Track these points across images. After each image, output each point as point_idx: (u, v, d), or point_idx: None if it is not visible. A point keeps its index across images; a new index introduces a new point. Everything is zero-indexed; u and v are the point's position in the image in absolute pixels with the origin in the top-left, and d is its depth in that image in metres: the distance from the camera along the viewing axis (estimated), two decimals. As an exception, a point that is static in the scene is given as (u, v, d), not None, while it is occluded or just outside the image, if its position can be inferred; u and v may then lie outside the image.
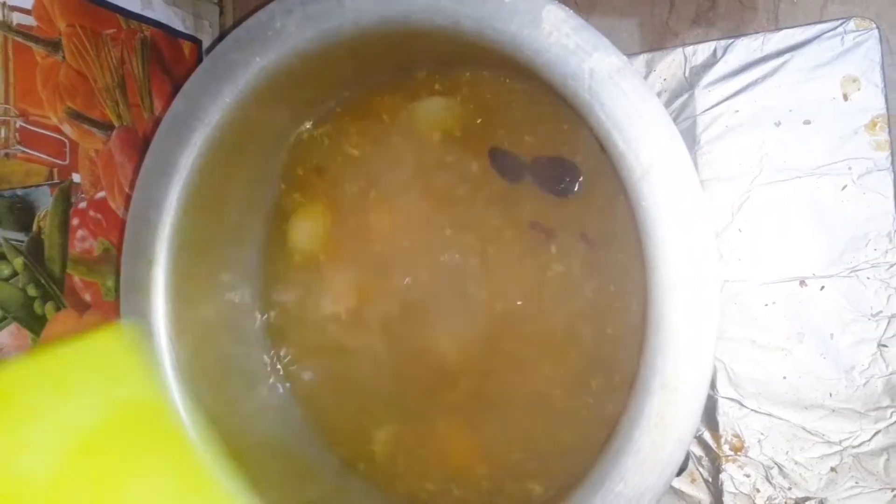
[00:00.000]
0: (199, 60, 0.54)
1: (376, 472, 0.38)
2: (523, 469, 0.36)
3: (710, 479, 0.39)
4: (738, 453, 0.37)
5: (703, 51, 0.38)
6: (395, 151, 0.37)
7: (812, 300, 0.36)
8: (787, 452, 0.37)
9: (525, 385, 0.35)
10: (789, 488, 0.37)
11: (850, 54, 0.36)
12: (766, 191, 0.37)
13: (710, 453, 0.39)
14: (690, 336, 0.26)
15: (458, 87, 0.36)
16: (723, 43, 0.38)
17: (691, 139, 0.38)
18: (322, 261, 0.40)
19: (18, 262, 0.40)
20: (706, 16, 0.44)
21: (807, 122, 0.36)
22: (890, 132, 0.35)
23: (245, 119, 0.35)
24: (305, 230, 0.40)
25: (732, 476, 0.38)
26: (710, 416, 0.38)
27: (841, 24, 0.36)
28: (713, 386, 0.37)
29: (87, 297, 0.44)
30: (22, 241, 0.40)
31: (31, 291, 0.40)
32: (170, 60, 0.52)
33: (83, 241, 0.44)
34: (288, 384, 0.41)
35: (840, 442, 0.36)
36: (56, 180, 0.43)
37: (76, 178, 0.44)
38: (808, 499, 0.37)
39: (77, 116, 0.44)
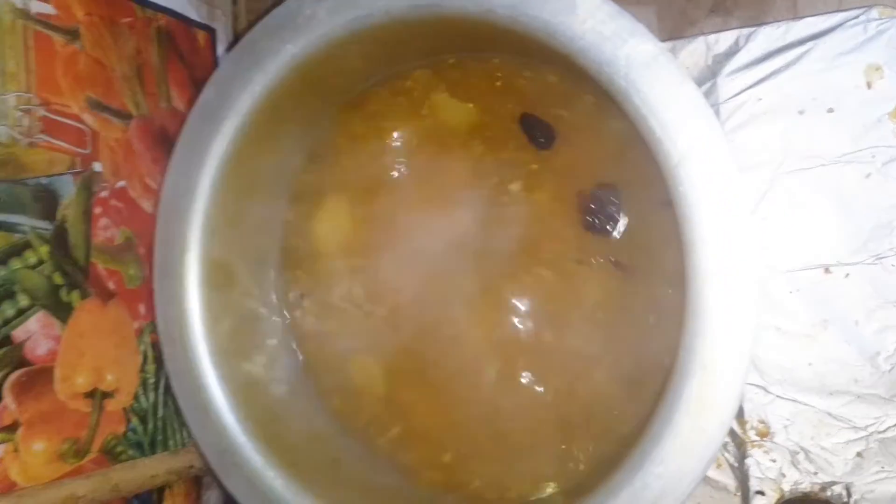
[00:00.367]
0: (214, 50, 0.54)
1: (401, 462, 0.39)
2: (559, 451, 0.36)
3: (736, 465, 0.39)
4: (764, 439, 0.38)
5: (725, 39, 0.39)
6: (424, 139, 0.37)
7: (836, 287, 0.36)
8: (812, 438, 0.37)
9: (559, 367, 0.35)
10: (815, 473, 0.37)
11: (873, 42, 0.36)
12: (790, 179, 0.37)
13: (736, 439, 0.39)
14: (730, 319, 0.26)
15: (488, 74, 0.36)
16: (745, 31, 0.38)
17: (714, 128, 0.38)
18: (347, 250, 0.40)
19: (44, 250, 0.40)
20: (724, 4, 0.44)
21: (830, 111, 0.36)
22: (914, 120, 0.35)
23: (275, 107, 0.35)
24: (333, 219, 0.40)
25: (758, 461, 0.38)
26: (735, 402, 0.38)
27: (863, 13, 0.36)
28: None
29: (111, 286, 0.44)
30: (47, 230, 0.40)
31: (57, 279, 0.41)
32: (185, 50, 0.52)
33: (106, 230, 0.44)
34: (307, 373, 0.41)
35: (866, 427, 0.36)
36: (78, 169, 0.43)
37: (97, 167, 0.44)
38: (834, 483, 0.37)
39: (97, 105, 0.44)
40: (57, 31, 0.42)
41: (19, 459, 0.37)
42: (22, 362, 0.38)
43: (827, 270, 0.36)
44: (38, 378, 0.39)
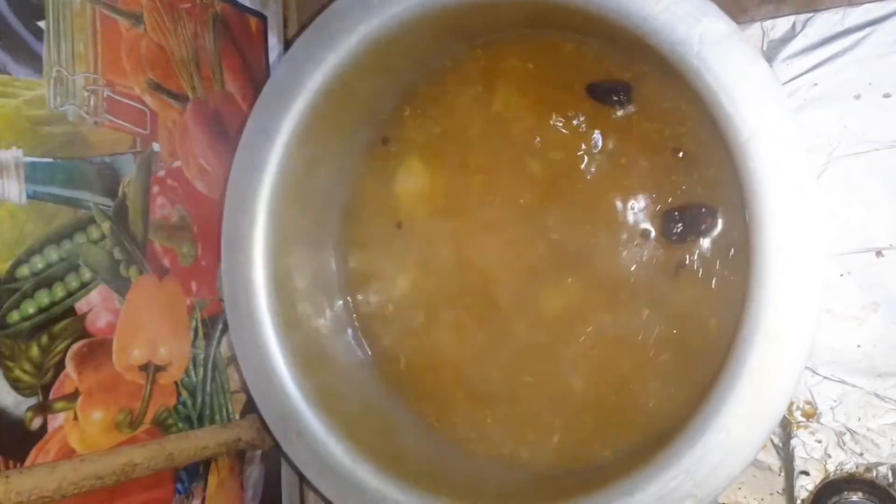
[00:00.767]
0: (265, 36, 0.55)
1: (455, 433, 0.39)
2: (620, 419, 0.36)
3: (781, 445, 0.40)
4: (810, 420, 0.38)
5: (781, 25, 0.39)
6: (492, 119, 0.38)
7: (888, 271, 0.37)
8: (859, 419, 0.37)
9: (618, 334, 0.36)
10: (861, 454, 0.37)
11: (932, 28, 0.36)
12: (844, 163, 0.37)
13: (782, 420, 0.39)
14: (795, 291, 0.27)
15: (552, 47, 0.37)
16: (801, 17, 0.39)
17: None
18: (411, 226, 0.41)
19: (106, 226, 0.41)
20: (776, -7, 0.44)
21: (886, 96, 0.37)
22: (968, 106, 0.36)
23: (346, 86, 0.36)
24: (409, 188, 0.41)
25: (804, 442, 0.38)
26: (781, 383, 0.39)
27: (922, 0, 0.36)
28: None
29: (166, 263, 0.45)
30: (109, 206, 0.41)
31: (117, 255, 0.42)
32: (238, 36, 0.53)
33: (162, 209, 0.46)
34: (366, 344, 0.42)
35: (913, 409, 0.37)
36: (139, 149, 0.44)
37: (156, 147, 0.45)
38: (879, 464, 0.37)
39: (157, 88, 0.45)
40: (122, 14, 0.43)
41: (78, 427, 0.39)
42: (83, 333, 0.39)
43: (879, 254, 0.37)
44: (97, 349, 0.40)
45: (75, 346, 0.38)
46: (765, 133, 0.27)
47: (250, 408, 0.46)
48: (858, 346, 0.37)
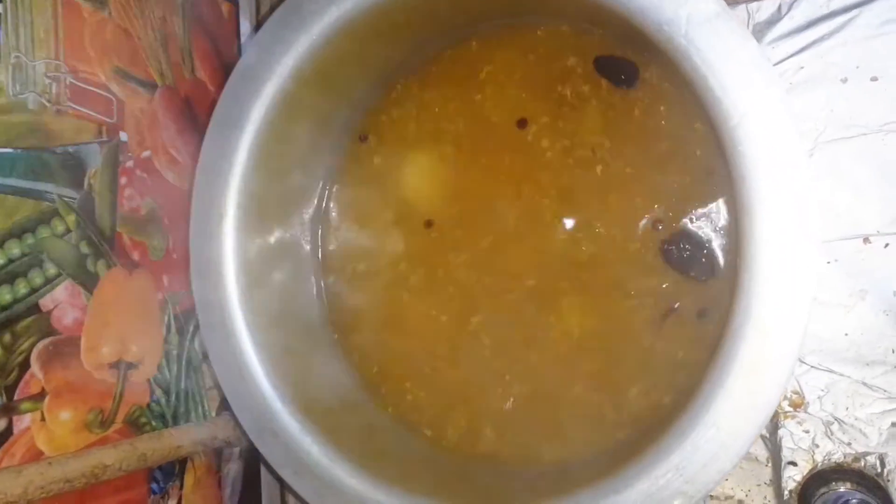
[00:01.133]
0: (237, 22, 0.54)
1: (436, 432, 0.38)
2: (599, 413, 0.36)
3: (768, 435, 0.39)
4: (798, 409, 0.38)
5: (767, 7, 0.38)
6: (473, 112, 0.37)
7: (875, 257, 0.36)
8: (847, 408, 0.37)
9: (607, 326, 0.35)
10: (849, 444, 0.37)
11: (920, 10, 0.35)
12: (831, 147, 0.37)
13: (769, 410, 0.39)
14: (787, 280, 0.26)
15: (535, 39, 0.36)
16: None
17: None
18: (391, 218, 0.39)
19: (71, 219, 0.39)
20: (762, -25, 0.43)
21: (874, 79, 0.36)
22: (957, 90, 0.35)
23: (319, 71, 0.34)
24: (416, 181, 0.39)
25: (791, 432, 0.38)
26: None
27: (910, -20, 0.36)
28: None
29: (136, 256, 0.44)
30: (74, 199, 0.40)
31: (84, 248, 0.40)
32: (209, 21, 0.51)
33: (131, 200, 0.44)
34: (343, 340, 0.41)
35: (901, 397, 0.36)
36: (105, 138, 0.43)
37: (123, 136, 0.44)
38: (867, 454, 0.37)
39: (123, 74, 0.44)
40: (85, -2, 0.42)
41: (46, 428, 0.37)
42: (49, 331, 0.38)
43: (866, 240, 0.36)
44: (64, 347, 0.39)
45: (41, 345, 0.37)
46: (755, 116, 0.26)
47: (227, 405, 0.45)
48: (846, 334, 0.37)
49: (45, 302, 0.37)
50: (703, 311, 0.34)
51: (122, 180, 0.44)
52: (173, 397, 0.45)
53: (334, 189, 0.42)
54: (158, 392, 0.44)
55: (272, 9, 0.51)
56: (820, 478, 0.36)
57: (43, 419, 0.36)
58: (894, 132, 0.36)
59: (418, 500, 0.35)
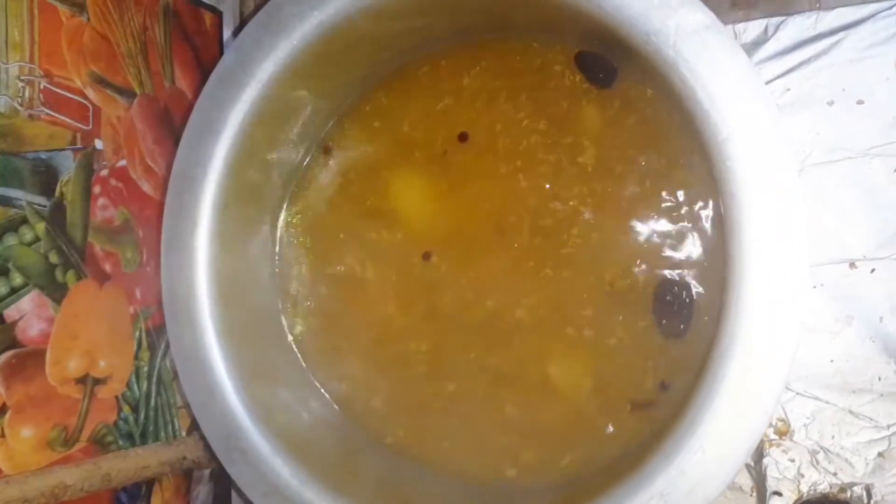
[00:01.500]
0: (220, 32, 0.53)
1: (413, 451, 0.37)
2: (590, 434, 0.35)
3: (753, 464, 0.38)
4: (783, 437, 0.37)
5: (753, 28, 0.38)
6: (453, 121, 0.36)
7: (862, 282, 0.36)
8: (833, 437, 0.36)
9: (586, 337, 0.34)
10: (835, 473, 0.36)
11: (905, 34, 0.35)
12: (817, 171, 0.36)
13: (754, 437, 0.38)
14: (776, 301, 0.25)
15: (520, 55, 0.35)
16: (774, 20, 0.38)
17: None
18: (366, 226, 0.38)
19: (40, 227, 0.38)
20: (746, -2, 0.43)
21: (860, 102, 0.36)
22: (944, 114, 0.35)
23: (298, 76, 0.33)
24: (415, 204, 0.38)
25: (777, 461, 0.37)
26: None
27: (895, 4, 0.35)
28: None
29: (108, 268, 0.42)
30: (44, 206, 0.39)
31: (53, 258, 0.39)
32: (191, 30, 0.50)
33: (104, 210, 0.43)
34: (315, 356, 0.40)
35: (888, 426, 0.36)
36: (79, 145, 0.41)
37: (98, 144, 0.43)
38: (853, 484, 0.36)
39: (100, 81, 0.43)
40: (63, 2, 0.41)
41: (6, 445, 0.36)
42: (13, 343, 0.36)
43: (852, 265, 0.36)
44: (28, 360, 0.37)
45: (3, 357, 0.36)
46: (744, 131, 0.26)
47: (198, 424, 0.44)
48: (832, 360, 0.36)
49: (10, 312, 0.36)
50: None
51: (96, 189, 0.43)
52: (142, 415, 0.44)
53: (305, 200, 0.41)
54: (126, 409, 0.42)
55: (256, 19, 0.50)
56: (805, 509, 0.36)
57: (3, 435, 0.35)
58: (880, 156, 0.35)
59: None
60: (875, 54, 0.36)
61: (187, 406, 0.44)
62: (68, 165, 0.40)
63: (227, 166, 0.35)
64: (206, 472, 0.47)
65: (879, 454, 0.36)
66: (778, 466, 0.37)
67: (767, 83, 0.37)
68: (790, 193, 0.26)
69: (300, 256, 0.43)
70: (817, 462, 0.36)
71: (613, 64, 0.33)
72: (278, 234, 0.41)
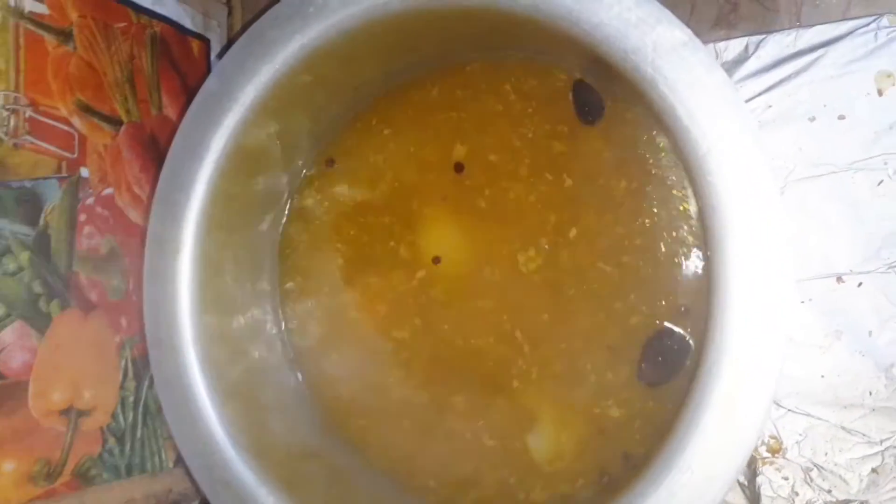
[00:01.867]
0: (208, 59, 0.53)
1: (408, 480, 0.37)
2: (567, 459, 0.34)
3: (747, 483, 0.38)
4: (776, 455, 0.36)
5: (734, 46, 0.38)
6: (442, 146, 0.36)
7: (849, 297, 0.36)
8: (826, 454, 0.36)
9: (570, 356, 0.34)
10: (829, 491, 0.36)
11: (884, 50, 0.36)
12: (801, 186, 0.36)
13: (747, 456, 0.37)
14: (761, 314, 0.25)
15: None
16: (754, 39, 0.38)
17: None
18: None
19: (24, 256, 0.38)
20: (727, 18, 0.44)
21: (841, 118, 0.36)
22: (926, 127, 0.35)
23: (282, 101, 0.33)
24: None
25: (770, 479, 0.37)
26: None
27: (874, 21, 0.36)
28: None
29: (93, 297, 0.42)
30: (28, 236, 0.38)
31: (37, 288, 0.38)
32: (179, 58, 0.51)
33: (90, 238, 0.43)
34: (305, 382, 0.39)
35: (881, 441, 0.35)
36: (64, 174, 0.41)
37: (84, 172, 0.43)
38: (849, 501, 0.36)
39: (86, 109, 0.43)
40: (49, 31, 0.41)
41: (-13, 480, 0.35)
42: (-5, 375, 0.36)
43: (839, 279, 0.36)
44: (10, 392, 0.37)
45: (-16, 390, 0.35)
46: (725, 146, 0.26)
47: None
48: (822, 376, 0.36)
49: (-8, 344, 0.35)
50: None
51: (82, 217, 0.42)
52: (128, 447, 0.43)
53: (293, 224, 0.41)
54: (112, 441, 0.42)
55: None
56: (801, 527, 0.35)
57: (-16, 470, 0.34)
58: (863, 170, 0.36)
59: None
60: (855, 70, 0.36)
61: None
62: (53, 194, 0.40)
63: (210, 191, 0.34)
64: (195, 503, 0.46)
65: (873, 470, 0.35)
66: (772, 485, 0.37)
67: (749, 100, 0.37)
68: (772, 205, 0.26)
69: (291, 277, 0.43)
70: (811, 479, 0.36)
71: (603, 103, 0.34)
72: (267, 260, 0.41)
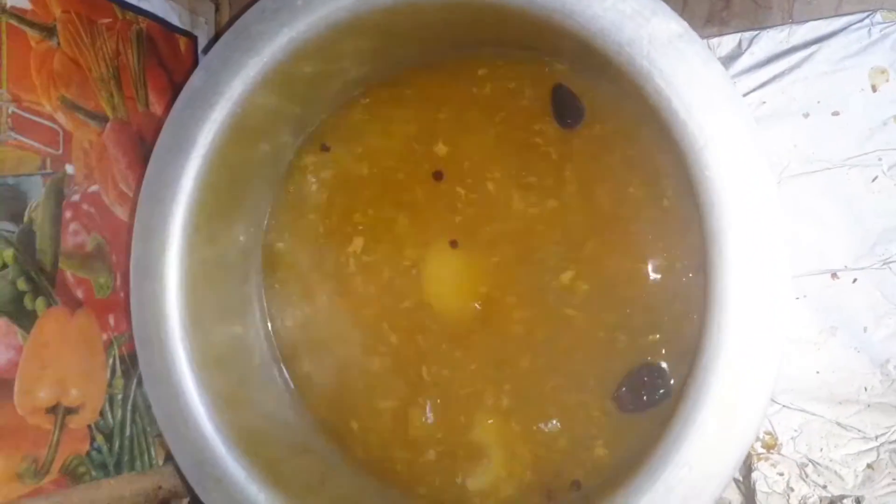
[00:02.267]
0: (195, 56, 0.53)
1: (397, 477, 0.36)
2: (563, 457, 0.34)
3: (742, 479, 0.38)
4: (771, 451, 0.36)
5: (727, 42, 0.38)
6: (430, 137, 0.36)
7: (844, 293, 0.36)
8: (821, 449, 0.36)
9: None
10: (824, 486, 0.36)
11: (878, 45, 0.36)
12: (796, 183, 0.36)
13: (741, 452, 0.37)
14: (758, 310, 0.25)
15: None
16: (748, 35, 0.38)
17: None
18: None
19: (8, 254, 0.37)
20: (720, 15, 0.44)
21: (835, 114, 0.36)
22: (920, 123, 0.35)
23: (269, 95, 0.33)
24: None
25: (765, 475, 0.36)
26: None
27: (868, 16, 0.36)
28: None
29: (80, 294, 0.41)
30: (12, 232, 0.38)
31: (22, 285, 0.38)
32: (165, 55, 0.50)
33: (76, 236, 0.42)
34: (292, 379, 0.39)
35: (876, 437, 0.35)
36: (49, 170, 0.41)
37: (70, 169, 0.42)
38: (843, 497, 0.36)
39: (71, 106, 0.42)
40: (32, 26, 0.40)
41: (-28, 479, 0.34)
42: (-21, 374, 0.35)
43: (834, 276, 0.36)
44: (-5, 391, 0.36)
45: (-31, 389, 0.34)
46: (722, 139, 0.26)
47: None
48: (817, 372, 0.36)
49: (-24, 342, 0.35)
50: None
51: (67, 214, 0.42)
52: (116, 444, 0.42)
53: (282, 220, 0.40)
54: (100, 439, 0.41)
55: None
56: (796, 523, 0.35)
57: (-31, 469, 0.34)
58: (857, 167, 0.35)
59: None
60: (849, 66, 0.36)
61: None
62: (38, 191, 0.40)
63: (197, 187, 0.34)
64: (184, 501, 0.45)
65: (868, 465, 0.35)
66: (767, 481, 0.36)
67: (744, 97, 0.37)
68: (769, 199, 0.26)
69: (279, 276, 0.43)
70: (806, 475, 0.36)
71: (582, 106, 0.33)
72: (254, 256, 0.40)
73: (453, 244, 0.37)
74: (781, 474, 0.36)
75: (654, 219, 0.33)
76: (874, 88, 0.36)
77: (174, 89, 0.50)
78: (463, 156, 0.38)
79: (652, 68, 0.26)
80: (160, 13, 0.50)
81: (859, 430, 0.35)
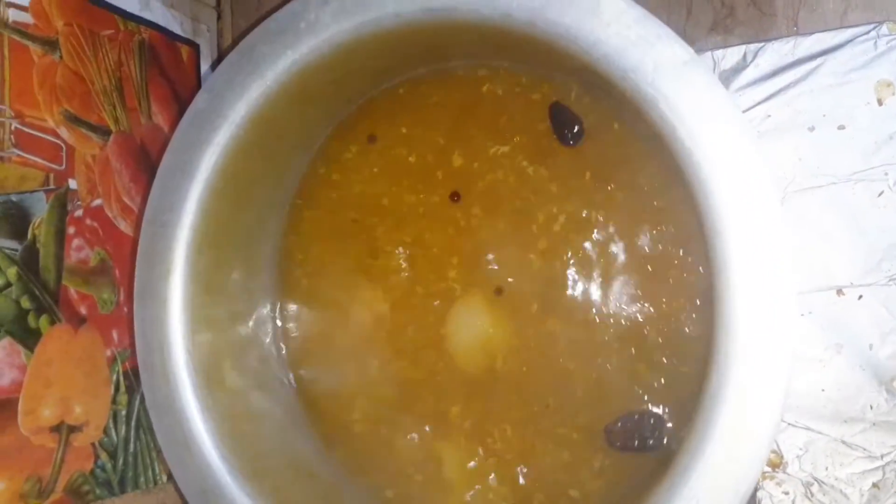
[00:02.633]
0: (197, 65, 0.52)
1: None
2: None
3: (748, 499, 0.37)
4: (777, 469, 0.36)
5: (732, 55, 0.38)
6: (432, 154, 0.35)
7: (849, 310, 0.35)
8: (827, 468, 0.35)
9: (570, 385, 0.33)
10: (830, 505, 0.35)
11: (884, 58, 0.35)
12: (801, 197, 0.36)
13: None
14: (765, 336, 0.25)
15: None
16: (752, 47, 0.37)
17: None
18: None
19: (12, 272, 0.37)
20: (724, 23, 0.43)
21: (841, 128, 0.36)
22: (926, 138, 0.35)
23: (273, 116, 0.32)
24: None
25: (771, 494, 0.36)
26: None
27: (874, 29, 0.35)
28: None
29: (83, 311, 0.41)
30: (16, 250, 0.38)
31: (25, 304, 0.38)
32: (168, 64, 0.50)
33: (79, 251, 0.42)
34: (302, 405, 0.39)
35: (882, 456, 0.35)
36: (52, 186, 0.41)
37: (72, 184, 0.42)
38: (850, 516, 0.35)
39: (74, 120, 0.42)
40: (34, 40, 0.40)
41: (-24, 500, 0.34)
42: (-17, 393, 0.35)
43: (840, 292, 0.35)
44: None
45: (-27, 408, 0.34)
46: (727, 167, 0.25)
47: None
48: (823, 390, 0.35)
49: (-20, 362, 0.35)
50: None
51: (70, 230, 0.42)
52: (120, 462, 0.42)
53: (288, 241, 0.40)
54: (104, 456, 0.41)
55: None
56: (801, 542, 0.35)
57: (-27, 489, 0.34)
58: (864, 181, 0.35)
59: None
60: (854, 79, 0.36)
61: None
62: (41, 207, 0.40)
63: (200, 210, 0.34)
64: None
65: (874, 484, 0.35)
66: (772, 500, 0.36)
67: (748, 110, 0.37)
68: (776, 227, 0.25)
69: (288, 292, 0.42)
70: (812, 494, 0.36)
71: (583, 125, 0.33)
72: (260, 280, 0.40)
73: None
74: (787, 493, 0.36)
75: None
76: (880, 102, 0.35)
77: (177, 100, 0.50)
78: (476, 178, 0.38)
79: (657, 95, 0.26)
80: (162, 22, 0.50)
81: (865, 449, 0.35)
